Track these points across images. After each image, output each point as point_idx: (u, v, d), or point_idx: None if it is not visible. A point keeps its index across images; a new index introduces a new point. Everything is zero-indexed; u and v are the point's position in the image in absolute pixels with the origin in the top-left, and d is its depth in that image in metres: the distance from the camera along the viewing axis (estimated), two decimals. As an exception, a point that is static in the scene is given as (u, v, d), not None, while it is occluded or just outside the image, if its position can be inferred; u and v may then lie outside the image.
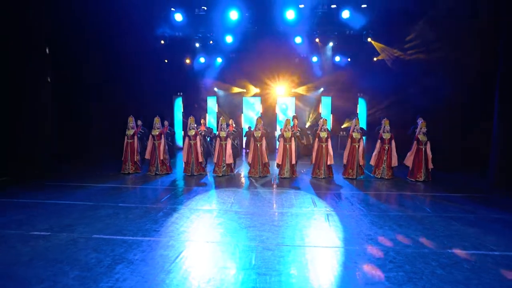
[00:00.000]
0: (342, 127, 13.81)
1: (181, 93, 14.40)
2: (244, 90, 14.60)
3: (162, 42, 12.09)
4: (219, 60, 13.91)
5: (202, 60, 13.83)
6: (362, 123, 13.39)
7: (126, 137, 8.25)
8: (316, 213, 4.97)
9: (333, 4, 10.15)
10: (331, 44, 13.17)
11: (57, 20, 7.65)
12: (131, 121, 8.30)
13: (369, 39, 12.01)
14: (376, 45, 11.98)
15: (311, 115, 14.51)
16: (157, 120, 8.22)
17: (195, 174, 8.05)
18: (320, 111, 14.06)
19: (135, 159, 8.24)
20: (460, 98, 8.39)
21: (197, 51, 13.43)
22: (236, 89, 14.65)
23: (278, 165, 7.97)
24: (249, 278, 2.98)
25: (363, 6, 10.14)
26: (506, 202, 5.71)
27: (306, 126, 13.43)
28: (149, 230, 4.18)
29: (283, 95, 14.33)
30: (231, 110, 14.33)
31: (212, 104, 14.55)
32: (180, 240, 3.87)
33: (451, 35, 8.53)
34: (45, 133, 7.45)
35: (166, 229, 4.24)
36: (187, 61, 13.64)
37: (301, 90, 14.42)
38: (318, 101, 14.26)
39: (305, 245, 3.76)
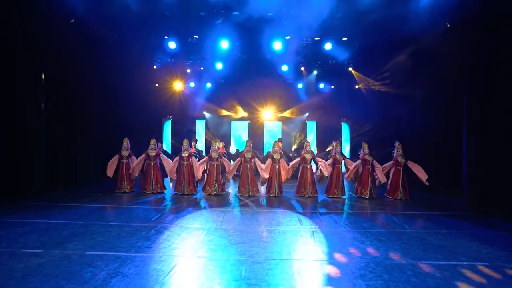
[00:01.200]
0: (327, 150, 14.36)
1: (171, 116, 14.71)
2: (233, 114, 15.10)
3: (155, 67, 12.56)
4: (208, 85, 14.46)
5: (192, 84, 14.34)
6: (346, 147, 14.03)
7: (120, 157, 8.46)
8: (302, 230, 5.22)
9: (316, 37, 11.03)
10: (315, 72, 14.04)
11: (53, 43, 7.92)
12: (125, 142, 8.55)
13: (350, 69, 12.93)
14: (356, 74, 12.91)
15: (297, 139, 15.08)
16: (152, 142, 8.54)
17: (186, 193, 8.22)
18: (305, 135, 14.65)
19: (130, 178, 8.44)
20: (434, 122, 9.07)
21: (187, 76, 13.96)
22: (224, 112, 15.14)
23: (263, 183, 8.24)
24: (240, 288, 3.17)
25: (344, 39, 11.07)
26: (477, 218, 6.16)
27: (293, 149, 13.91)
28: (142, 247, 4.30)
29: (270, 119, 14.91)
30: (219, 133, 14.72)
31: (201, 127, 14.90)
32: (172, 255, 4.02)
33: (425, 69, 9.39)
34: (37, 152, 7.47)
35: (158, 246, 4.37)
36: (178, 85, 14.11)
37: (287, 114, 15.07)
38: (304, 125, 14.91)
39: (292, 259, 3.98)
